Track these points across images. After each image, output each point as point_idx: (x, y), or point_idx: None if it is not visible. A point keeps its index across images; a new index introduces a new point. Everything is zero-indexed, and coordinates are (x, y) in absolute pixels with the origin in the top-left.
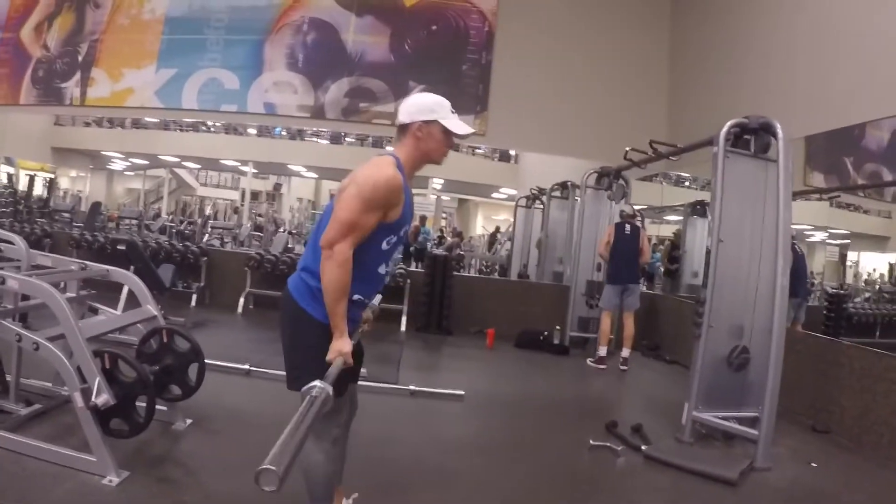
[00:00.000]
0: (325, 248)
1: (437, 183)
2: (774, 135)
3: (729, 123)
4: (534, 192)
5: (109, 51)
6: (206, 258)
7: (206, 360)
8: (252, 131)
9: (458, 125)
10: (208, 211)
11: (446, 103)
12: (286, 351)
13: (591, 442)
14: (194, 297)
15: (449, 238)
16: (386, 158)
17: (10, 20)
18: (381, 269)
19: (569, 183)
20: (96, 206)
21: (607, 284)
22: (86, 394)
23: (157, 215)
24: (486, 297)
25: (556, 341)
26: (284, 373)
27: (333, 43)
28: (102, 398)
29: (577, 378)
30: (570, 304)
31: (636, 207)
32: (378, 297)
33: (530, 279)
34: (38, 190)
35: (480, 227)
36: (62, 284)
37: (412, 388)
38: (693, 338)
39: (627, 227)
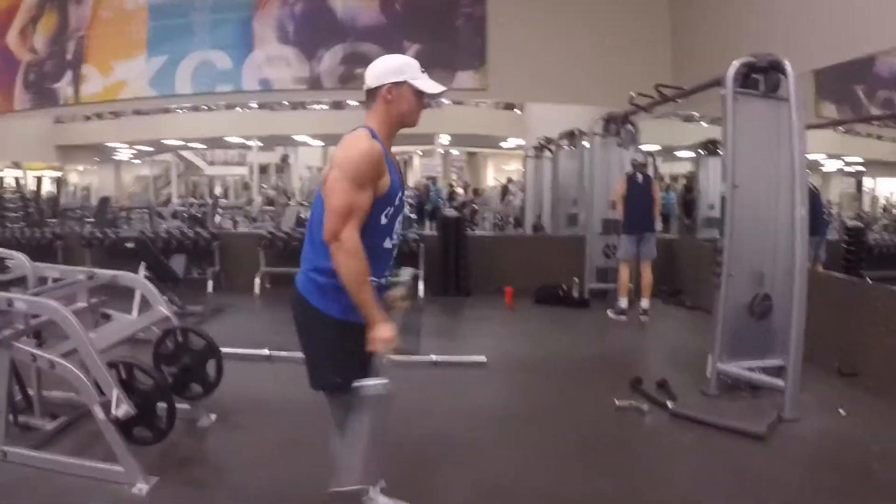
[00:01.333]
0: (332, 240)
1: (444, 139)
2: (784, 72)
3: (736, 63)
4: (541, 141)
5: (97, 46)
6: (217, 242)
7: (225, 349)
8: (253, 105)
9: (429, 84)
10: (217, 190)
11: (414, 63)
12: (303, 350)
13: (616, 402)
14: (210, 282)
15: (460, 192)
16: (359, 132)
17: None
18: (387, 244)
19: (576, 131)
20: (104, 202)
21: (623, 234)
22: (105, 406)
23: (168, 201)
24: (502, 254)
25: (575, 294)
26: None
27: (322, 10)
28: (122, 409)
29: (598, 332)
30: (587, 255)
31: (645, 148)
32: (409, 271)
33: (545, 230)
34: (49, 190)
35: (492, 178)
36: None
37: (434, 357)
38: (713, 288)
39: (640, 176)
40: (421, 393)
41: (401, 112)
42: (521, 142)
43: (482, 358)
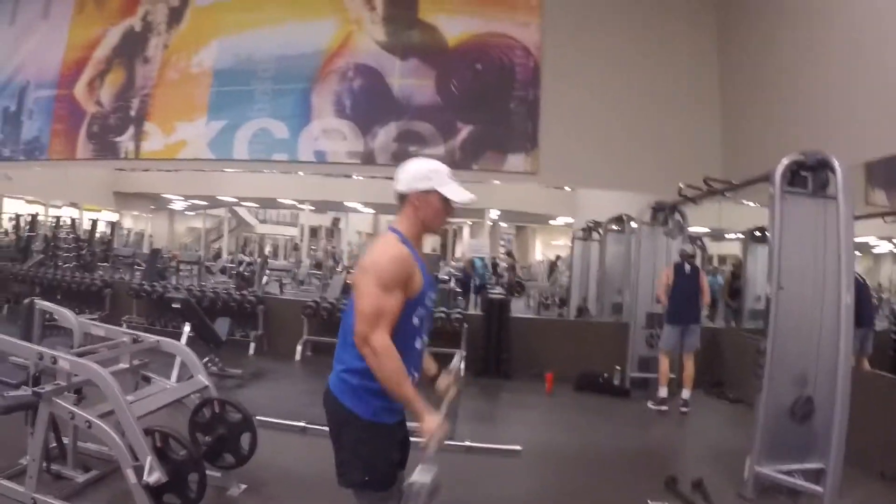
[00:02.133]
0: (363, 346)
1: (493, 213)
2: (833, 170)
3: (785, 161)
4: (590, 224)
5: (161, 104)
6: (262, 306)
7: (261, 417)
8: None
9: (456, 192)
10: (267, 250)
11: (443, 169)
12: (334, 447)
13: (648, 503)
14: (252, 345)
15: (503, 262)
16: (388, 237)
17: (64, 78)
18: (418, 344)
19: (624, 216)
20: (155, 254)
21: (666, 324)
22: (138, 471)
23: (218, 255)
24: (545, 338)
25: (616, 382)
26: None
27: (380, 88)
28: (154, 476)
29: (637, 424)
30: (630, 342)
31: (693, 230)
32: (456, 360)
33: (590, 312)
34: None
35: (540, 253)
36: None
37: (468, 443)
38: (754, 390)
39: (687, 266)
40: (451, 479)
41: (427, 218)
42: (571, 220)
43: (517, 447)
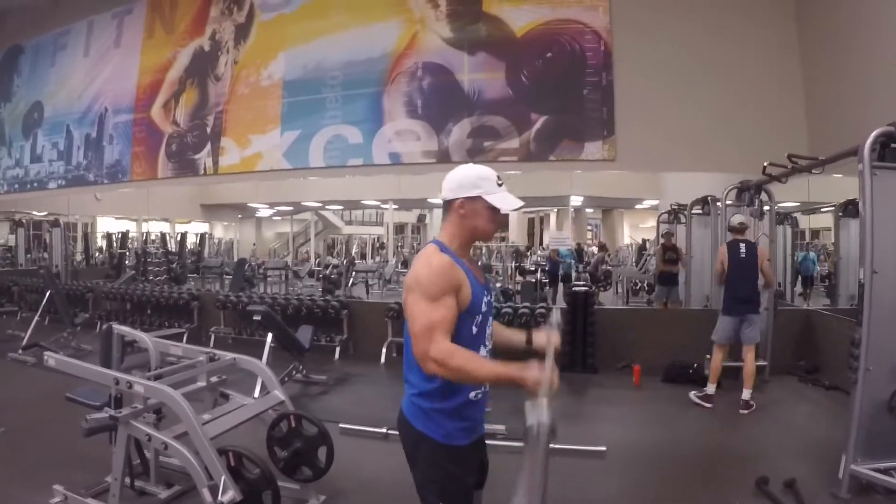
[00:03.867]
0: (428, 364)
1: (575, 201)
2: None
3: (874, 134)
4: (674, 207)
5: (234, 120)
6: (346, 311)
7: (343, 425)
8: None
9: (505, 200)
10: (354, 250)
11: (491, 175)
12: (412, 472)
13: None
14: (338, 350)
15: (594, 250)
16: (427, 249)
17: (140, 101)
18: (482, 352)
19: (708, 198)
20: (242, 263)
21: (722, 315)
22: (213, 490)
23: (306, 259)
24: (631, 329)
25: (706, 372)
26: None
27: (449, 85)
28: (229, 496)
29: (728, 417)
30: None
31: (781, 205)
32: (556, 315)
33: (680, 299)
34: (194, 243)
35: (627, 236)
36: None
37: (552, 445)
38: (850, 383)
39: (742, 246)
40: None
41: (474, 226)
42: (656, 202)
43: (602, 448)
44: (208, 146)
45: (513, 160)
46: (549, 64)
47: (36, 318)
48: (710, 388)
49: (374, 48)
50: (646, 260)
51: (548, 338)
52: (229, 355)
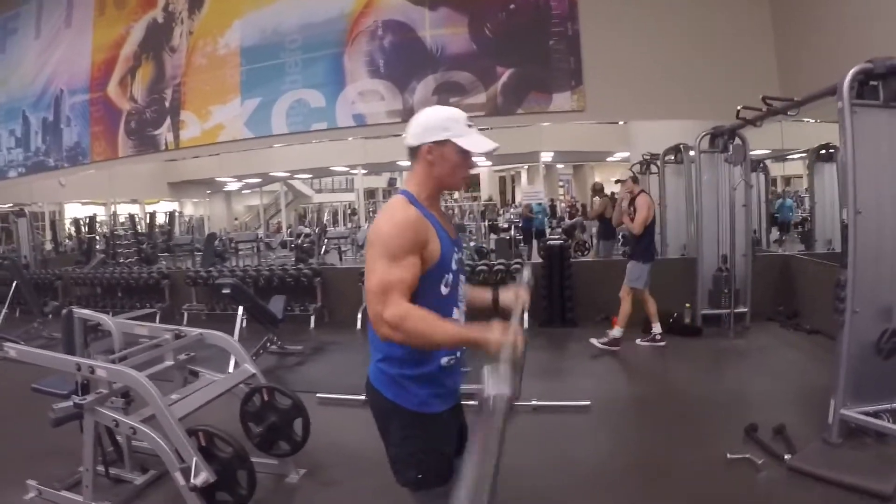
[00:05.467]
0: (378, 325)
1: (547, 156)
2: None
3: (852, 71)
4: (646, 157)
5: (193, 92)
6: (319, 278)
7: (322, 395)
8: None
9: (476, 142)
10: (326, 218)
11: (461, 116)
12: (384, 443)
13: (728, 455)
14: (312, 318)
15: (565, 211)
16: (395, 200)
17: (95, 80)
18: (455, 315)
19: (681, 146)
20: (211, 238)
21: (643, 264)
22: (186, 473)
23: (277, 230)
24: (610, 281)
25: (686, 321)
26: None
27: (412, 42)
28: (201, 477)
29: (711, 365)
30: (699, 278)
31: (753, 153)
32: (526, 273)
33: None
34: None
35: None
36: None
37: (535, 402)
38: (836, 325)
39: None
40: (517, 444)
41: (443, 174)
42: (627, 154)
43: (586, 402)
44: (168, 121)
45: (480, 115)
46: (512, 15)
47: (4, 310)
48: (617, 332)
49: (331, 8)
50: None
51: (515, 296)
52: (196, 331)
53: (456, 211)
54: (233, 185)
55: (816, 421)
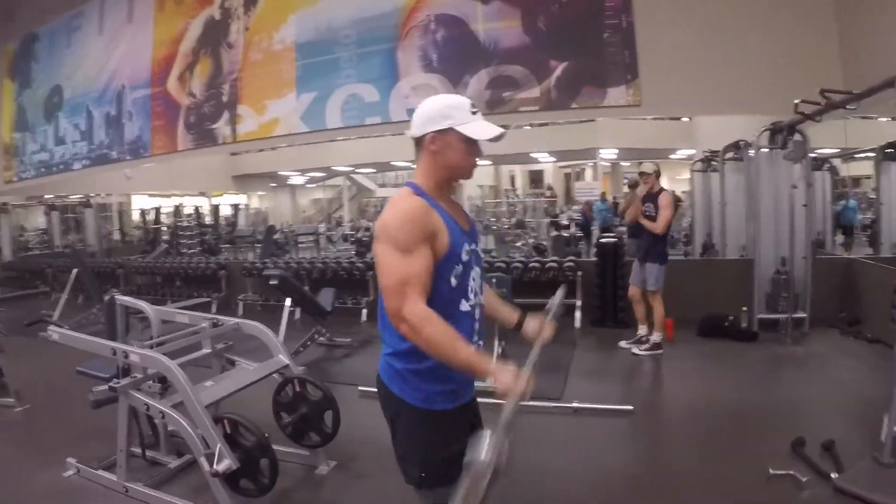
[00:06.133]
0: (396, 321)
1: (608, 153)
2: None
3: None
4: (706, 154)
5: (250, 87)
6: (371, 272)
7: (363, 388)
8: None
9: (479, 129)
10: None
11: (464, 103)
12: (393, 445)
13: (770, 471)
14: (364, 311)
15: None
16: (401, 192)
17: (156, 75)
18: (464, 307)
19: (741, 143)
20: (270, 231)
21: (661, 265)
22: (209, 459)
23: (339, 223)
24: (665, 279)
25: (743, 325)
26: None
27: (464, 36)
28: (224, 464)
29: (764, 372)
30: (755, 280)
31: (818, 151)
32: (559, 295)
33: (716, 249)
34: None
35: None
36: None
37: (576, 404)
38: (892, 335)
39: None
40: (556, 449)
41: (448, 164)
42: (693, 152)
43: (629, 406)
44: (225, 115)
45: (534, 110)
46: (565, 8)
47: (64, 296)
48: (657, 337)
49: (384, 3)
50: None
51: (540, 329)
52: (233, 320)
53: (519, 207)
54: (297, 179)
55: (870, 438)
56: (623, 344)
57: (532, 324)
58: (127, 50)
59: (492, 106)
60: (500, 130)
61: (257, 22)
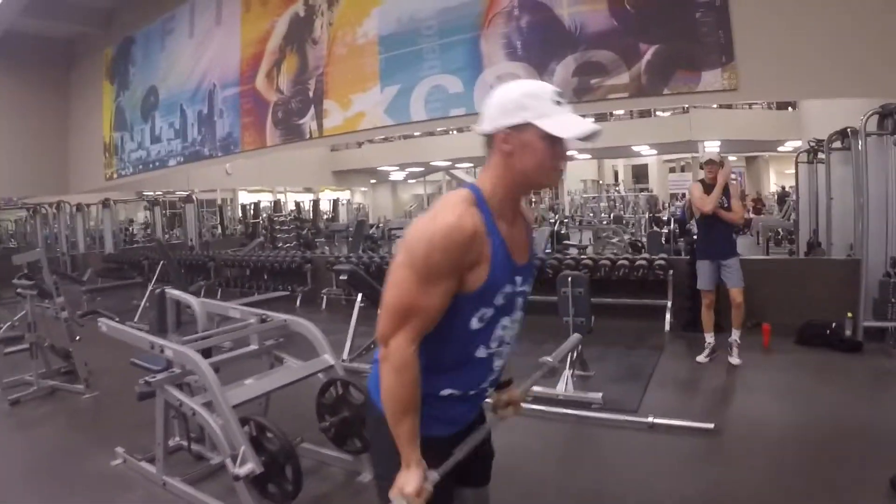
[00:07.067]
0: (380, 343)
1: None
2: None
3: None
4: (811, 144)
5: (335, 81)
6: None
7: None
8: None
9: (565, 123)
10: None
11: (546, 91)
12: (371, 463)
13: None
14: None
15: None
16: (456, 195)
17: (245, 74)
18: (481, 353)
19: (848, 130)
20: (360, 225)
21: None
22: (235, 461)
23: None
24: (763, 281)
25: (847, 333)
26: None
27: (549, 21)
28: (247, 467)
29: (868, 390)
30: (862, 284)
31: None
32: (535, 376)
33: (822, 248)
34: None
35: (773, 184)
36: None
37: (651, 419)
38: None
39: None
40: (622, 468)
41: (526, 167)
42: (799, 143)
43: (709, 425)
44: (312, 110)
45: (623, 97)
46: None
47: (150, 287)
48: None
49: None
50: (788, 207)
51: (504, 404)
52: (282, 317)
53: (618, 203)
54: (397, 175)
55: None
56: (701, 359)
57: (502, 396)
58: (216, 50)
59: (579, 94)
60: (592, 127)
61: (340, 17)
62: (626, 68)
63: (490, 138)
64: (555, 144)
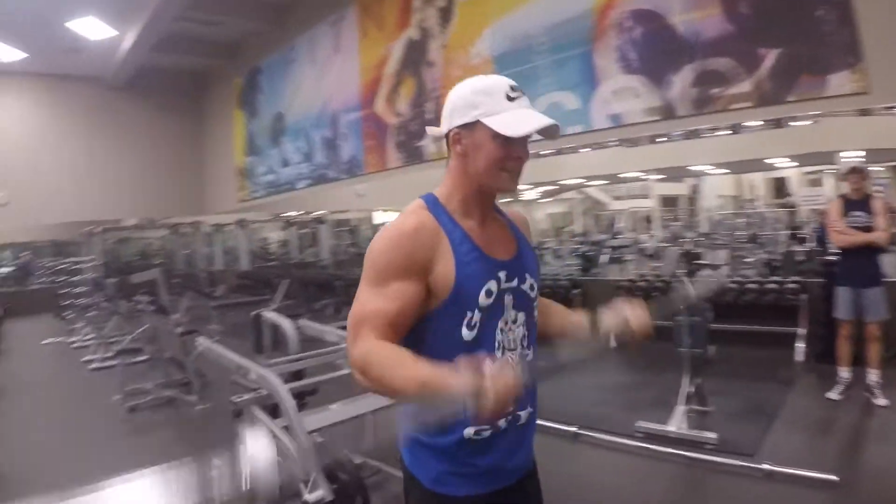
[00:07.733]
0: (352, 370)
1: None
2: None
3: None
4: None
5: None
6: (577, 290)
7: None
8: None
9: (511, 121)
10: (621, 225)
11: (499, 86)
12: None
13: None
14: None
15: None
16: (413, 204)
17: (365, 99)
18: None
19: None
20: None
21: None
22: (306, 486)
23: (570, 237)
24: None
25: None
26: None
27: (662, 31)
28: (316, 494)
29: None
30: None
31: None
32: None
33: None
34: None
35: None
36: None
37: (766, 466)
38: None
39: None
40: None
41: (478, 169)
42: None
43: (833, 477)
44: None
45: (747, 106)
46: None
47: (274, 305)
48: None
49: (575, 5)
50: None
51: (628, 313)
52: None
53: (756, 220)
54: (530, 194)
55: None
56: (832, 395)
57: (612, 314)
58: (337, 76)
59: (700, 105)
60: (542, 123)
61: (454, 38)
62: (746, 75)
63: (446, 139)
64: (507, 144)
